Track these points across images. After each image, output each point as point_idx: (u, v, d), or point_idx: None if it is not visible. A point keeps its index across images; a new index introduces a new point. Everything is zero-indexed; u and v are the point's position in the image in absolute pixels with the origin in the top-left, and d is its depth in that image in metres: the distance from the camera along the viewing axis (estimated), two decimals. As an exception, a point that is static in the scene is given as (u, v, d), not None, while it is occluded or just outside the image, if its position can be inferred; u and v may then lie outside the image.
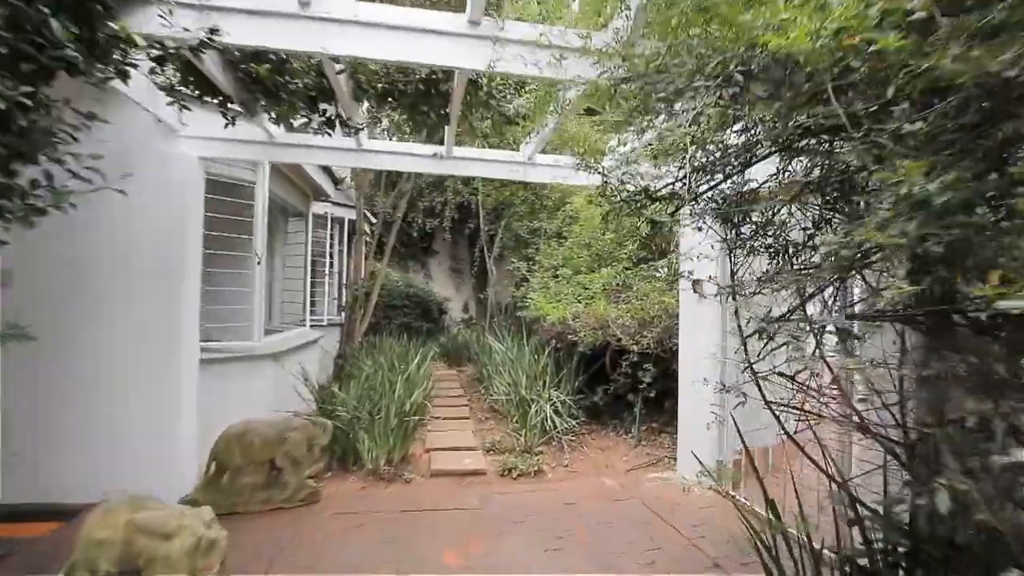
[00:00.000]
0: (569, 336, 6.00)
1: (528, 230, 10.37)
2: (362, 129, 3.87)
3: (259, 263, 7.50)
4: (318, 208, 7.84)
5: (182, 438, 4.01)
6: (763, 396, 2.32)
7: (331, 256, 9.04)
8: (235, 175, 4.73)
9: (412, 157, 4.39)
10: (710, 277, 2.97)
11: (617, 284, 6.40)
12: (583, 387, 6.26)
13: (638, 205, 2.60)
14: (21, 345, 2.65)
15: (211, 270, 4.74)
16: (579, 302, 6.45)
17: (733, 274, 2.49)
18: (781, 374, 2.23)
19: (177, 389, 4.01)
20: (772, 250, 2.34)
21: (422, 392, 6.73)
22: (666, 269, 5.97)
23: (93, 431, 3.88)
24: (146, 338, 3.96)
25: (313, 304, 8.31)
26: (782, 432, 2.35)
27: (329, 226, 8.26)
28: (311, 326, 7.43)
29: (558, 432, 5.59)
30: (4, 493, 3.47)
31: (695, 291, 4.72)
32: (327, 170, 6.67)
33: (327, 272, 8.42)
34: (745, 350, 2.40)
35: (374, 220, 10.91)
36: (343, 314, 8.40)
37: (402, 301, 11.15)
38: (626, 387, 5.91)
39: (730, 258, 2.47)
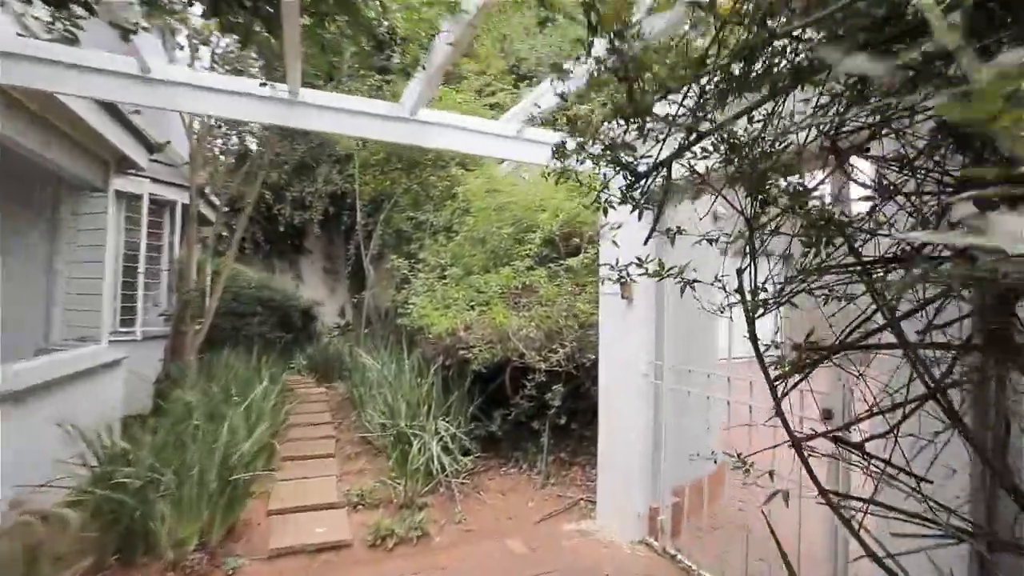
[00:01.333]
0: (460, 351, 4.82)
1: (412, 223, 9.03)
2: (134, 32, 2.38)
3: (139, 273, 5.42)
4: (128, 184, 5.88)
5: None
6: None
7: (157, 251, 7.01)
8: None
9: (232, 96, 2.95)
10: (643, 258, 1.96)
11: (517, 287, 5.35)
12: (478, 413, 5.11)
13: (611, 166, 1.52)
14: None
15: None
16: (472, 308, 5.30)
17: (740, 274, 1.49)
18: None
19: None
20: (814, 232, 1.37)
21: (269, 429, 5.18)
22: (585, 268, 5.03)
23: None
24: None
25: (126, 312, 6.30)
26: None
27: (146, 210, 6.30)
28: (113, 342, 5.50)
29: (448, 475, 4.38)
30: None
31: (623, 296, 3.79)
32: (132, 129, 4.85)
33: (143, 271, 6.42)
34: (768, 378, 1.43)
35: (225, 208, 8.90)
36: (169, 325, 6.47)
37: (254, 307, 9.21)
38: (530, 412, 4.86)
39: (751, 249, 1.46)
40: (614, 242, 2.58)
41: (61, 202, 5.18)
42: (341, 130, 3.25)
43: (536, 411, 4.90)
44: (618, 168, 1.42)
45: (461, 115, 3.55)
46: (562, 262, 5.13)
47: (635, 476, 3.63)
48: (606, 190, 1.55)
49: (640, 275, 1.62)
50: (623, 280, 3.40)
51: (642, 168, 1.43)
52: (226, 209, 8.95)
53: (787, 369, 1.44)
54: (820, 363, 1.38)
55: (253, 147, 9.96)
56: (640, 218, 1.48)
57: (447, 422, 4.75)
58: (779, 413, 1.39)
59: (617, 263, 1.77)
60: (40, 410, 3.62)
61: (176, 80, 2.78)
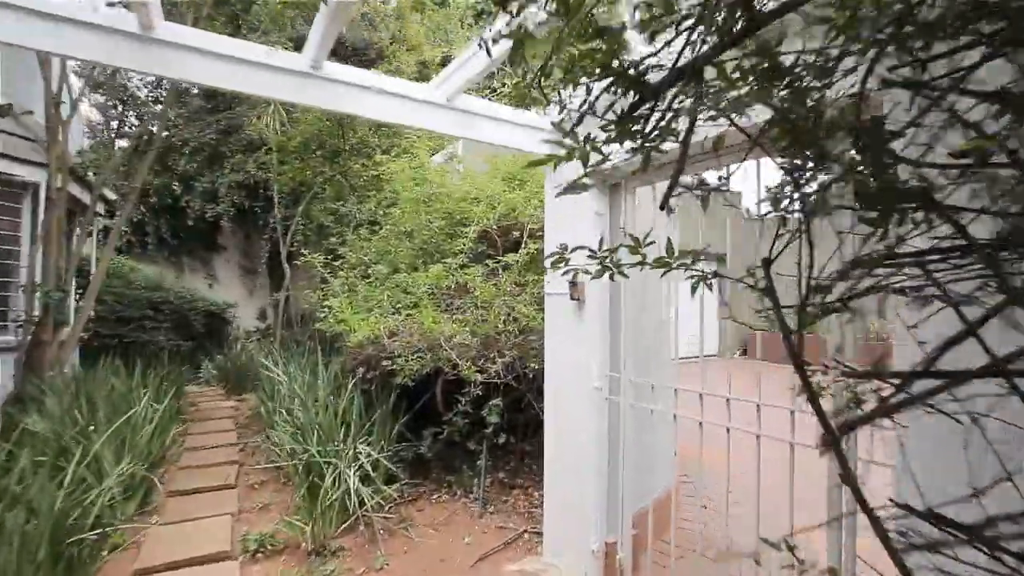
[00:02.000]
0: (384, 362, 4.13)
1: (333, 217, 8.18)
2: None
3: None
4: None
5: None
6: None
7: (9, 243, 5.81)
8: None
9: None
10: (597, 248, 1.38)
11: (449, 286, 4.71)
12: (405, 432, 4.43)
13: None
14: None
15: None
16: (398, 312, 4.61)
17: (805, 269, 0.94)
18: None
19: None
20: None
21: (148, 458, 4.29)
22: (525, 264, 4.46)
23: None
24: None
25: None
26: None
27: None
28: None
29: (368, 510, 3.68)
30: None
31: (573, 296, 3.25)
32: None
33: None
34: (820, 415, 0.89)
35: (110, 195, 7.67)
36: (23, 334, 5.32)
37: (143, 311, 8.00)
38: (465, 430, 4.24)
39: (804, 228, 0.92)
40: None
41: None
42: (233, 85, 2.50)
43: (471, 429, 4.29)
44: (614, 81, 0.84)
45: (379, 74, 2.88)
46: (500, 259, 4.55)
47: (588, 507, 3.09)
48: (568, 119, 0.96)
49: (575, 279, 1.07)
50: (573, 280, 2.83)
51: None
52: (114, 198, 7.74)
53: (857, 411, 0.92)
54: (902, 407, 0.85)
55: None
56: (646, 167, 0.92)
57: (368, 445, 4.04)
58: (838, 454, 0.86)
59: (566, 252, 1.23)
60: None
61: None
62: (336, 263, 5.54)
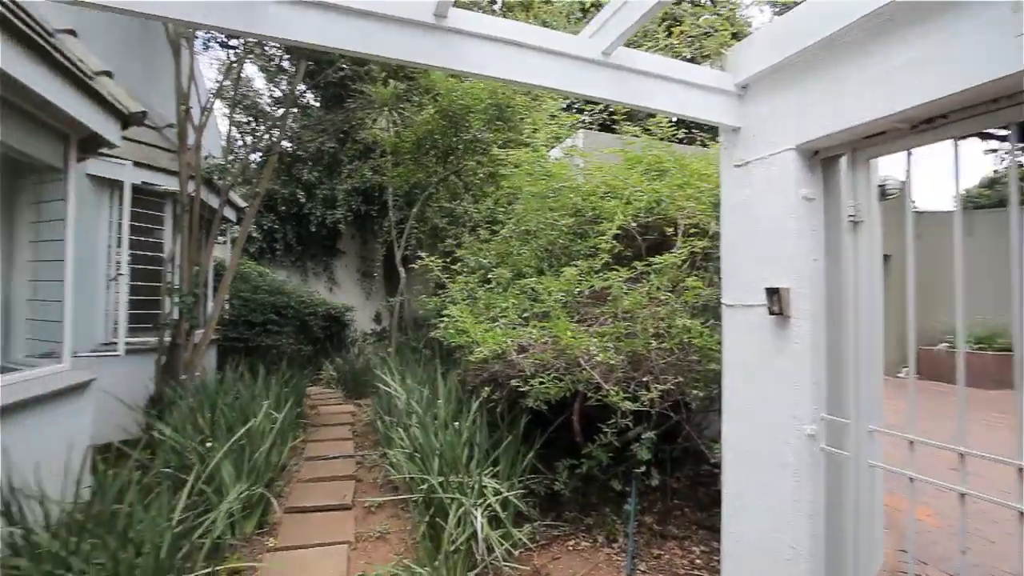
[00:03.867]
0: (512, 381, 3.54)
1: (448, 218, 7.85)
2: None
3: (119, 274, 4.41)
4: (103, 167, 4.90)
5: None
6: None
7: (151, 250, 6.05)
8: None
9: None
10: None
11: (583, 292, 4.03)
12: (536, 463, 3.81)
13: None
14: None
15: None
16: (526, 322, 4.01)
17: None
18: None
19: None
20: None
21: (266, 473, 4.06)
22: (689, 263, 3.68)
23: None
24: None
25: (106, 322, 5.33)
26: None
27: (128, 199, 5.30)
28: (86, 358, 4.50)
29: (497, 558, 3.10)
30: None
31: (772, 310, 2.43)
32: (92, 92, 3.80)
33: (127, 273, 5.43)
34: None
35: (241, 203, 7.95)
36: (162, 337, 5.45)
37: (266, 314, 8.17)
38: (607, 465, 3.54)
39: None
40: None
41: (20, 189, 4.21)
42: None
43: (616, 463, 3.58)
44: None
45: (510, 23, 2.26)
46: (649, 261, 3.79)
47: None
48: None
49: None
50: (774, 288, 2.06)
51: None
52: (243, 205, 8.01)
53: None
54: None
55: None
56: None
57: (495, 477, 3.48)
58: None
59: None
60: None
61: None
62: (454, 267, 5.08)
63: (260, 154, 11.13)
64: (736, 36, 4.10)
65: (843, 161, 2.31)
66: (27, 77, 3.14)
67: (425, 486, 3.49)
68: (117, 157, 5.00)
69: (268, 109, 11.59)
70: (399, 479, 4.34)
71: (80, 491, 3.04)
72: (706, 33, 5.21)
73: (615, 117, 6.38)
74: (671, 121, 5.59)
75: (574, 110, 7.64)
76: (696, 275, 3.65)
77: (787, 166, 2.36)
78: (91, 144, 4.24)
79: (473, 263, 4.98)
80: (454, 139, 7.75)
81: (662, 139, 5.31)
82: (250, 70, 10.74)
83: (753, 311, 2.48)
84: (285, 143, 10.29)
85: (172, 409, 4.73)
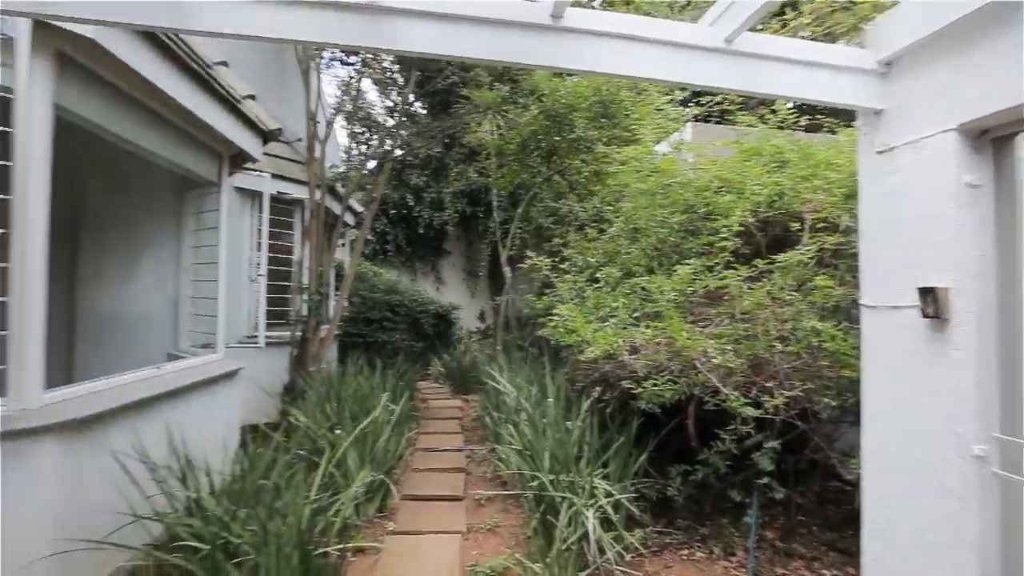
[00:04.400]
0: (623, 382, 3.48)
1: (553, 217, 7.88)
2: None
3: (259, 275, 5.12)
4: (247, 180, 5.50)
5: None
6: None
7: (284, 252, 6.70)
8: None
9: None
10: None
11: (695, 291, 3.86)
12: (647, 467, 3.72)
13: None
14: None
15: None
16: (637, 322, 3.92)
17: None
18: None
19: None
20: None
21: (386, 461, 4.33)
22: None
23: None
24: None
25: (249, 318, 5.98)
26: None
27: (267, 207, 5.90)
28: (234, 349, 5.08)
29: (609, 560, 3.07)
30: None
31: (926, 313, 2.17)
32: (241, 115, 4.30)
33: (266, 274, 6.04)
34: None
35: (358, 208, 8.56)
36: (293, 331, 6.02)
37: (382, 312, 8.70)
38: (725, 473, 3.37)
39: None
40: None
41: (185, 202, 4.85)
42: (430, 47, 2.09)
43: (733, 471, 3.39)
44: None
45: (626, 17, 2.21)
46: (771, 258, 3.55)
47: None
48: None
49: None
50: (929, 288, 1.85)
51: None
52: (360, 210, 8.61)
53: None
54: None
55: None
56: None
57: (606, 479, 3.44)
58: None
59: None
60: (127, 434, 3.02)
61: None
62: (562, 266, 5.10)
63: (374, 162, 11.92)
64: (876, 8, 3.71)
65: (1021, 140, 2.01)
66: (194, 105, 3.61)
67: (535, 483, 3.54)
68: (258, 170, 5.60)
69: (380, 119, 12.39)
70: (508, 474, 4.44)
71: (234, 465, 3.45)
72: (835, 9, 4.78)
73: (728, 108, 6.05)
74: (792, 107, 5.18)
75: (677, 102, 7.35)
76: (826, 273, 3.36)
77: (944, 149, 2.10)
78: (238, 160, 4.79)
79: (581, 262, 4.96)
80: (557, 139, 7.77)
81: (782, 127, 4.95)
82: (364, 84, 11.54)
83: (901, 313, 2.23)
84: (397, 151, 10.94)
85: (304, 397, 5.22)
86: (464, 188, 11.38)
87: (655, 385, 3.23)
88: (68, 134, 2.70)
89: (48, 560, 2.40)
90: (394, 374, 6.19)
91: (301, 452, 3.93)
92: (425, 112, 12.39)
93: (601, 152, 7.19)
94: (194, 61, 3.47)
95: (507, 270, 8.56)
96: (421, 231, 12.28)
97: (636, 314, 4.01)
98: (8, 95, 2.40)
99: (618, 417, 3.87)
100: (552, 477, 3.47)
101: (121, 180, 4.71)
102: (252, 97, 4.50)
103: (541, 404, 4.52)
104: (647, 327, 3.66)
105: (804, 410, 3.12)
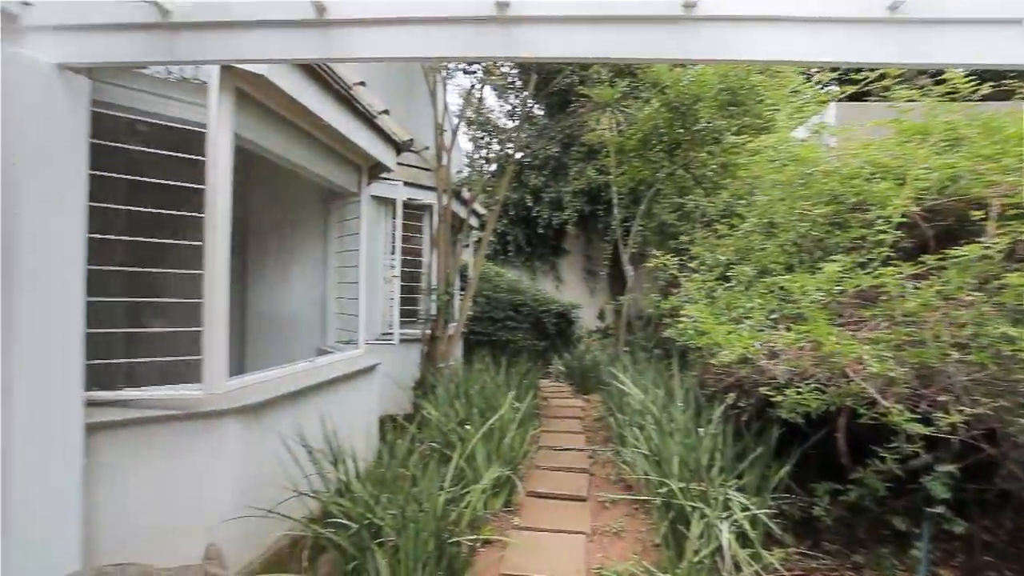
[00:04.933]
0: (761, 388, 3.23)
1: (677, 214, 7.55)
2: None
3: (392, 276, 5.75)
4: (382, 188, 5.94)
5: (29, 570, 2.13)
6: None
7: (414, 255, 7.15)
8: (168, 112, 2.85)
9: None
10: None
11: (843, 291, 3.45)
12: (788, 482, 3.42)
13: None
14: None
15: (139, 271, 2.91)
16: (775, 324, 3.62)
17: None
18: None
19: None
20: None
21: (512, 458, 4.44)
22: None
23: None
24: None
25: (384, 316, 6.46)
26: None
27: (400, 213, 6.32)
28: (372, 345, 5.53)
29: (744, 580, 2.87)
30: None
31: None
32: (378, 130, 4.67)
33: (399, 275, 6.48)
34: None
35: (481, 211, 8.89)
36: (423, 329, 6.41)
37: (505, 312, 8.92)
38: (885, 497, 2.99)
39: None
40: None
41: (330, 211, 5.38)
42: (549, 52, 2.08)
43: (894, 495, 3.00)
44: None
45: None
46: (943, 252, 3.08)
47: None
48: None
49: None
50: None
51: None
52: (483, 212, 8.93)
53: None
54: None
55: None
56: None
57: (741, 492, 3.22)
58: None
59: None
60: (286, 421, 3.43)
61: (353, 17, 2.03)
62: (690, 264, 4.87)
63: (495, 165, 12.30)
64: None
65: None
66: (339, 123, 3.99)
67: (664, 490, 3.42)
68: (391, 179, 6.04)
69: (500, 124, 12.74)
70: (633, 478, 4.34)
71: (375, 453, 3.76)
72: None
73: (881, 83, 5.34)
74: (970, 74, 4.43)
75: (814, 82, 6.65)
76: (1019, 270, 2.84)
77: None
78: (375, 170, 5.20)
79: (710, 260, 4.70)
80: (681, 131, 7.44)
81: (954, 99, 4.26)
82: (484, 90, 11.95)
83: None
84: (517, 153, 11.19)
85: (434, 392, 5.53)
86: (583, 187, 11.33)
87: (799, 393, 2.95)
88: (238, 156, 3.12)
89: (230, 522, 2.79)
90: (517, 372, 6.34)
91: (434, 444, 4.17)
92: (543, 113, 12.53)
93: (730, 143, 6.75)
94: (338, 84, 3.83)
95: (629, 269, 8.37)
96: (541, 231, 12.44)
97: (774, 316, 3.70)
98: (203, 130, 2.83)
99: (754, 426, 3.60)
100: (682, 485, 3.32)
101: (277, 194, 5.34)
102: (386, 112, 4.86)
103: (668, 407, 4.36)
104: (788, 330, 3.36)
105: (992, 431, 2.67)
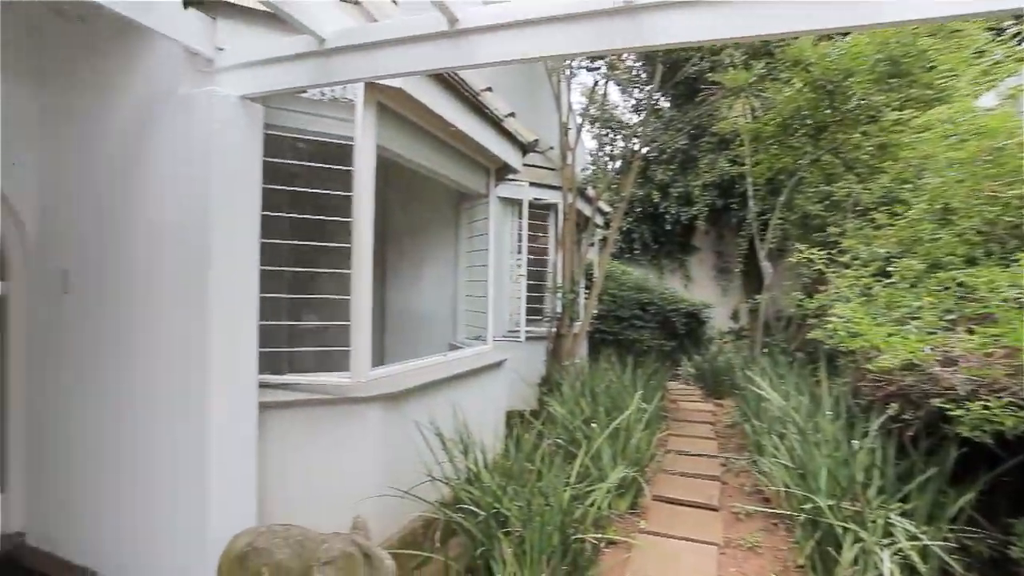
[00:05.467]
0: (933, 399, 2.79)
1: (824, 203, 6.81)
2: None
3: (519, 275, 6.08)
4: (509, 189, 6.09)
5: (209, 539, 2.54)
6: None
7: (539, 254, 7.25)
8: (321, 128, 3.19)
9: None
10: None
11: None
12: (972, 512, 2.92)
13: None
14: None
15: (298, 270, 3.30)
16: (952, 326, 3.11)
17: None
18: None
19: (201, 456, 2.58)
20: None
21: (638, 460, 4.34)
22: None
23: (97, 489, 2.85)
24: (168, 371, 2.69)
25: (511, 314, 6.63)
26: None
27: (526, 213, 6.44)
28: (499, 342, 5.70)
29: (912, 618, 2.51)
30: None
31: None
32: (505, 132, 4.81)
33: (525, 274, 6.61)
34: None
35: (606, 209, 8.79)
36: (548, 327, 6.48)
37: (632, 310, 8.67)
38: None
39: None
40: None
41: (460, 213, 5.65)
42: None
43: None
44: None
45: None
46: None
47: None
48: None
49: None
50: None
51: None
52: (608, 210, 8.80)
53: None
54: None
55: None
56: None
57: (906, 518, 2.82)
58: None
59: None
60: (421, 409, 3.68)
61: (482, 25, 2.10)
62: (841, 259, 4.37)
63: (619, 162, 12.07)
64: None
65: None
66: (469, 128, 4.18)
67: (809, 506, 3.10)
68: (518, 180, 6.19)
69: (623, 120, 12.45)
70: (772, 491, 4.00)
71: (502, 445, 3.88)
72: None
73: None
74: None
75: (1009, 35, 5.59)
76: None
77: None
78: (502, 172, 5.36)
79: (866, 254, 4.17)
80: (828, 112, 6.70)
81: None
82: (607, 86, 11.76)
83: None
84: (642, 148, 10.89)
85: (559, 389, 5.57)
86: (714, 180, 10.68)
87: (986, 408, 2.51)
88: (378, 164, 3.40)
89: (375, 500, 3.06)
90: (644, 372, 6.16)
91: (559, 441, 4.20)
92: (669, 104, 12.03)
93: (890, 120, 5.93)
94: (467, 91, 4.01)
95: (766, 265, 7.73)
96: (668, 227, 11.97)
97: (951, 316, 3.18)
98: (351, 143, 3.14)
99: (923, 443, 3.13)
100: (831, 502, 2.99)
101: (412, 199, 5.73)
102: (512, 115, 4.99)
103: (813, 416, 3.95)
104: (970, 332, 2.87)
105: None
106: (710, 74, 8.06)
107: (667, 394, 7.66)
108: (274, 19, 2.51)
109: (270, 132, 2.92)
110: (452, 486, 3.31)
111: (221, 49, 2.67)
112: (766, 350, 7.07)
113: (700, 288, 12.55)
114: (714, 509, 4.23)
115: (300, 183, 3.20)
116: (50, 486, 3.26)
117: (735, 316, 12.15)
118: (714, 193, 11.10)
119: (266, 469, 2.88)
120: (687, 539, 3.69)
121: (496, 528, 2.93)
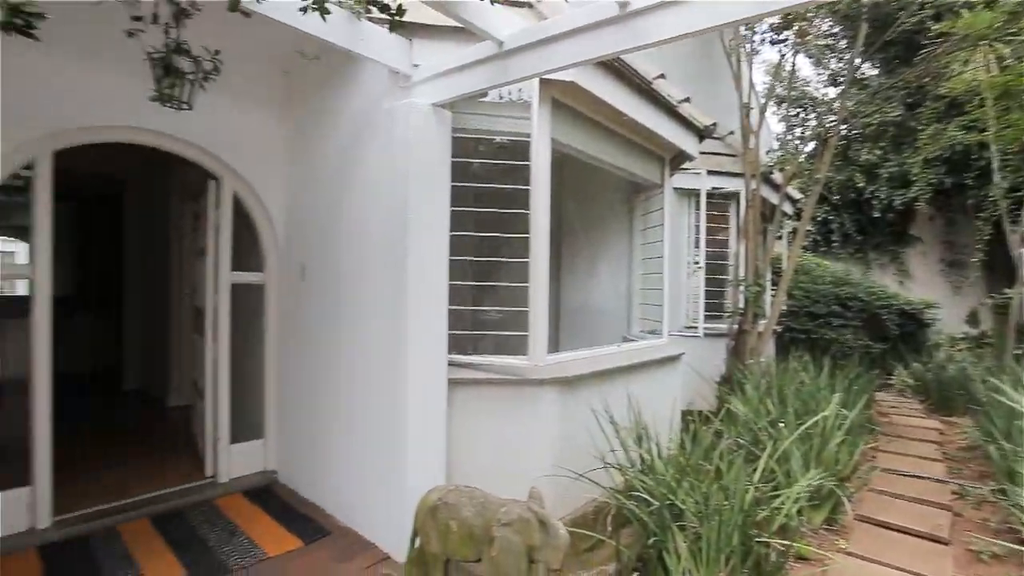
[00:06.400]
0: None
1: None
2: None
3: (697, 269, 6.00)
4: (685, 179, 5.81)
5: (407, 489, 2.92)
6: None
7: (720, 246, 6.81)
8: (501, 128, 3.40)
9: None
10: None
11: None
12: None
13: None
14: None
15: (480, 260, 3.58)
16: None
17: None
18: None
19: (402, 419, 2.97)
20: None
21: (830, 471, 3.87)
22: None
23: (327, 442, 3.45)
24: (376, 347, 3.16)
25: (688, 309, 6.33)
26: None
27: (703, 203, 6.08)
28: (674, 337, 5.49)
29: None
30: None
31: None
32: (679, 117, 4.61)
33: (703, 267, 6.24)
34: None
35: (796, 196, 7.93)
36: (730, 323, 6.05)
37: (829, 306, 7.62)
38: None
39: None
40: None
41: (634, 205, 5.58)
42: None
43: None
44: None
45: None
46: None
47: None
48: None
49: None
50: None
51: None
52: (799, 197, 7.92)
53: None
54: None
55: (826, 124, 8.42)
56: None
57: None
58: None
59: None
60: (597, 395, 3.73)
61: (649, 3, 2.06)
62: None
63: (812, 143, 10.76)
64: None
65: None
66: (642, 116, 4.13)
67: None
68: (694, 169, 5.90)
69: (816, 95, 11.03)
70: (1027, 529, 3.23)
71: (676, 440, 3.74)
72: None
73: None
74: None
75: None
76: None
77: None
78: (677, 161, 5.17)
79: None
80: None
81: None
82: (797, 60, 10.53)
83: None
84: (841, 125, 9.55)
85: (741, 389, 5.17)
86: (940, 154, 8.90)
87: None
88: (552, 158, 3.54)
89: (547, 479, 3.19)
90: (844, 376, 5.42)
91: (740, 441, 3.91)
92: (877, 71, 10.36)
93: None
94: (637, 78, 3.96)
95: (1020, 254, 6.23)
96: (876, 215, 10.32)
97: None
98: (527, 139, 3.34)
99: None
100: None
101: (585, 193, 5.81)
102: (687, 100, 4.79)
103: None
104: None
105: None
106: (934, 26, 6.74)
107: (875, 404, 6.60)
108: (457, 32, 2.81)
109: (457, 136, 3.24)
110: (626, 474, 3.30)
111: (416, 65, 3.05)
112: (999, 354, 5.70)
113: (921, 286, 10.59)
114: (943, 542, 3.54)
115: (483, 180, 3.48)
116: (295, 437, 4.03)
117: (972, 318, 10.01)
118: (940, 170, 9.26)
119: (452, 437, 3.20)
120: (903, 570, 3.16)
121: (670, 520, 2.85)
